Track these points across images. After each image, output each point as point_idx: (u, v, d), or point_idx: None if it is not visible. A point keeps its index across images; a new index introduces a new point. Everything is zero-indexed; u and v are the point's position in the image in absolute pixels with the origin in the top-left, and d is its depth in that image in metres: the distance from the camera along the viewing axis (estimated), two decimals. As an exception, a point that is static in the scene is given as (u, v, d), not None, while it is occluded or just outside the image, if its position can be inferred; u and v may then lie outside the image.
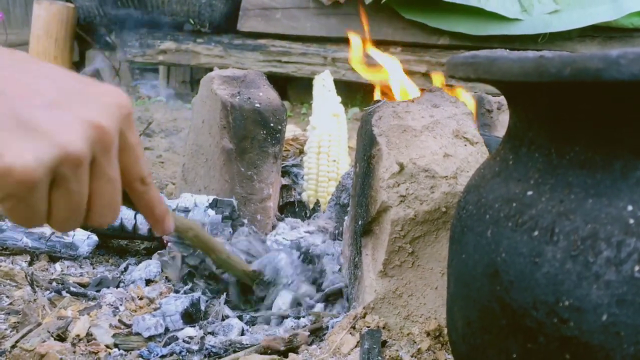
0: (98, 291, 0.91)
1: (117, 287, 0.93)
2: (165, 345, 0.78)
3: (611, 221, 0.39)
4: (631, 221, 0.38)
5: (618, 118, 0.40)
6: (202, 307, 0.86)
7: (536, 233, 0.42)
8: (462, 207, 0.54)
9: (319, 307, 0.86)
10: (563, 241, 0.41)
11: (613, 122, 0.40)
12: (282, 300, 0.85)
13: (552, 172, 0.44)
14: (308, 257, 0.96)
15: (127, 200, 0.52)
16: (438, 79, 1.08)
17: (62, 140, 0.40)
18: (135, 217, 1.06)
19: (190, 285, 0.94)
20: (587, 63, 0.36)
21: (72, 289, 0.90)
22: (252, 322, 0.86)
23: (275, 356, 0.73)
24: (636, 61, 0.35)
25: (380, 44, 2.89)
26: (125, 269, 1.01)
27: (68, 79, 0.44)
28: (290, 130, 1.76)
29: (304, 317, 0.82)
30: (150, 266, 0.96)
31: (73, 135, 0.41)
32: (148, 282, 0.94)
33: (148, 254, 1.08)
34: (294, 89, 3.30)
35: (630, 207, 0.39)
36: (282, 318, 0.84)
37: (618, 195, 0.40)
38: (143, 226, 1.06)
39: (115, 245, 1.12)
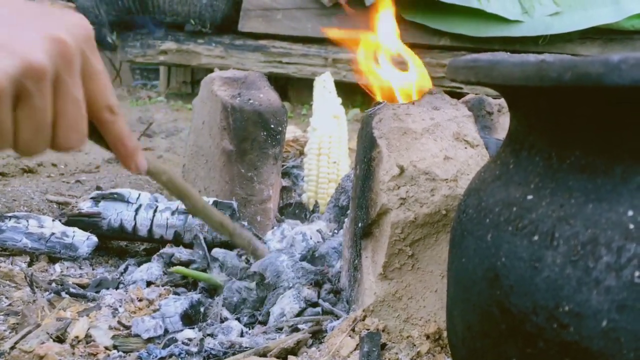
0: (97, 292, 0.91)
1: (117, 288, 0.93)
2: (164, 347, 0.77)
3: (611, 226, 0.39)
4: (631, 226, 0.38)
5: (619, 123, 0.40)
6: (202, 309, 0.86)
7: (536, 237, 0.42)
8: (462, 210, 0.54)
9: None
10: (563, 246, 0.40)
11: (614, 127, 0.40)
12: (282, 305, 0.85)
13: (553, 177, 0.44)
14: (311, 257, 0.95)
15: (97, 136, 0.51)
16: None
17: (24, 52, 0.41)
18: (135, 219, 1.06)
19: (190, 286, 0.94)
20: (588, 68, 0.36)
21: (71, 290, 0.90)
22: (250, 325, 0.86)
23: (274, 359, 0.73)
24: (637, 66, 0.35)
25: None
26: (125, 269, 1.01)
27: (28, 4, 0.45)
28: (291, 131, 1.76)
29: (304, 323, 0.82)
30: (152, 268, 0.96)
31: (35, 47, 0.41)
32: (148, 283, 0.94)
33: (148, 255, 1.08)
34: (295, 90, 3.30)
35: (630, 212, 0.39)
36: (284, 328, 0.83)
37: (618, 200, 0.40)
38: (143, 227, 1.06)
39: (115, 246, 1.12)
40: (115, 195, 1.08)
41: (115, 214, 1.06)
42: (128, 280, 0.94)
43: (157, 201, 1.09)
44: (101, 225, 1.05)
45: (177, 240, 1.06)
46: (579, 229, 0.40)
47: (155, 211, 1.06)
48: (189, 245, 1.05)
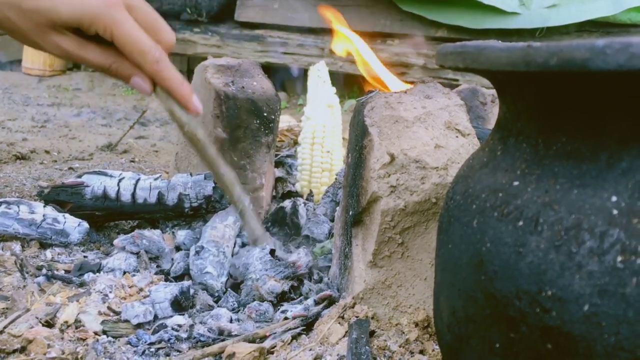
0: (80, 276, 0.90)
1: (98, 271, 0.93)
2: (154, 333, 0.78)
3: (595, 212, 0.39)
4: (615, 212, 0.38)
5: (604, 108, 0.40)
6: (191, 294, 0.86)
7: (521, 223, 0.42)
8: (450, 197, 0.54)
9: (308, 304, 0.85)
10: (547, 231, 0.41)
11: (599, 112, 0.40)
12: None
13: (539, 163, 0.44)
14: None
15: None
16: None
17: None
18: (118, 185, 1.06)
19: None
20: (573, 53, 0.36)
21: (55, 273, 0.90)
22: (238, 311, 0.86)
23: (263, 344, 0.73)
24: (622, 51, 0.35)
25: (378, 36, 2.88)
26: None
27: None
28: (285, 121, 1.76)
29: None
30: (130, 259, 0.96)
31: None
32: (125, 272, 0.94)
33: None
34: (291, 80, 3.29)
35: (614, 198, 0.39)
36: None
37: (603, 186, 0.40)
38: (126, 192, 1.06)
39: (106, 232, 1.12)
40: (98, 172, 1.09)
41: (98, 182, 1.06)
42: (108, 267, 0.94)
43: (139, 177, 1.10)
44: (84, 193, 1.05)
45: (160, 203, 1.06)
46: (563, 214, 0.40)
47: (138, 180, 1.08)
48: (173, 210, 1.06)
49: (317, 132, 1.28)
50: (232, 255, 0.97)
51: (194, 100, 0.74)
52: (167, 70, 0.71)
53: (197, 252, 0.93)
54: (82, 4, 0.66)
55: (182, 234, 1.02)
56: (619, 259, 0.37)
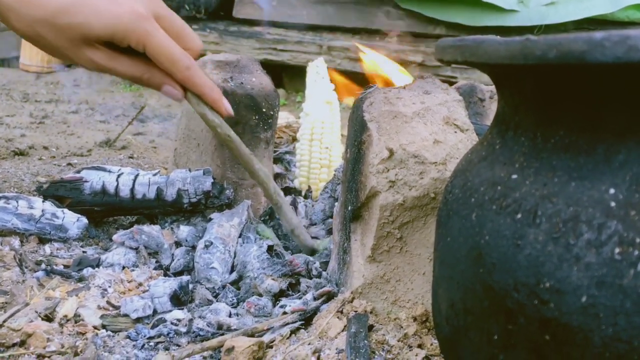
0: (79, 271, 0.91)
1: (97, 266, 0.93)
2: (153, 327, 0.78)
3: (593, 204, 0.39)
4: (613, 204, 0.39)
5: (602, 101, 0.40)
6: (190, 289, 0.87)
7: (519, 216, 0.43)
8: (449, 191, 0.54)
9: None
10: (545, 224, 0.41)
11: (597, 105, 0.40)
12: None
13: (537, 156, 0.44)
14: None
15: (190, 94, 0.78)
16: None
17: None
18: (117, 180, 1.06)
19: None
20: (571, 45, 0.36)
21: (54, 267, 0.90)
22: (237, 306, 0.86)
23: (262, 338, 0.73)
24: (620, 43, 0.35)
25: (376, 33, 2.89)
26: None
27: None
28: (284, 117, 1.76)
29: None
30: (129, 254, 0.96)
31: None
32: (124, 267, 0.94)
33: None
34: (289, 77, 3.29)
35: (612, 190, 0.39)
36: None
37: (600, 179, 0.40)
38: (125, 187, 1.06)
39: (105, 228, 1.12)
40: (97, 167, 1.09)
41: (97, 178, 1.06)
42: (107, 263, 0.94)
43: (138, 172, 1.10)
44: (83, 189, 1.05)
45: (159, 199, 1.06)
46: (561, 206, 0.41)
47: (137, 176, 1.08)
48: (172, 205, 1.06)
49: (316, 128, 1.28)
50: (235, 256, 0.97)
51: (225, 103, 0.79)
52: (198, 77, 0.76)
53: (206, 247, 0.93)
54: (114, 18, 0.68)
55: (184, 230, 1.02)
56: (617, 250, 0.38)
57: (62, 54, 0.71)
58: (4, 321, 0.74)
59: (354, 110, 0.88)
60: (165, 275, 0.93)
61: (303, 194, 1.26)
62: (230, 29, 3.10)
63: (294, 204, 1.11)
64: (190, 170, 1.09)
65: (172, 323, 0.78)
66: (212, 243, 0.93)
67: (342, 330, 0.74)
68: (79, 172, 1.08)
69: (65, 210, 1.02)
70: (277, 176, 1.30)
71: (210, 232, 0.97)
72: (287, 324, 0.77)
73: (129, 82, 0.80)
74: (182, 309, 0.83)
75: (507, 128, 0.49)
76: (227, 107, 0.79)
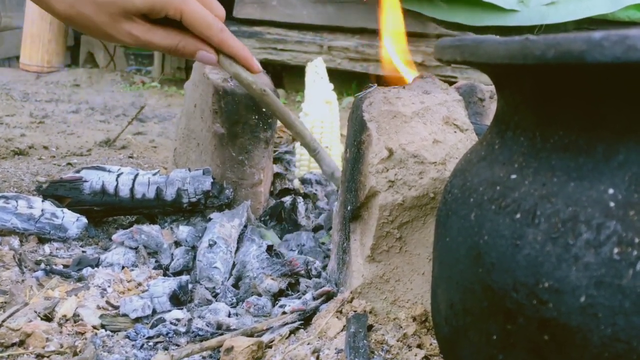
0: (79, 271, 0.91)
1: (97, 266, 0.93)
2: (152, 327, 0.78)
3: (592, 204, 0.39)
4: (612, 204, 0.39)
5: (601, 101, 0.40)
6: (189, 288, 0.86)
7: (518, 216, 0.43)
8: (448, 191, 0.54)
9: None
10: (544, 224, 0.41)
11: (596, 105, 0.40)
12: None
13: (536, 156, 0.44)
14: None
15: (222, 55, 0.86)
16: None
17: None
18: (117, 180, 1.06)
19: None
20: (570, 45, 0.36)
21: (53, 267, 0.90)
22: (236, 306, 0.86)
23: (261, 338, 0.73)
24: (619, 43, 0.35)
25: (376, 33, 2.88)
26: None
27: None
28: (284, 117, 1.76)
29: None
30: (129, 254, 0.96)
31: None
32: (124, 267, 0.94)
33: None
34: (289, 77, 3.29)
35: (611, 190, 0.39)
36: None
37: (599, 179, 0.40)
38: (125, 187, 1.06)
39: (104, 227, 1.12)
40: (97, 167, 1.09)
41: (97, 177, 1.06)
42: (107, 262, 0.94)
43: (137, 172, 1.10)
44: (83, 188, 1.05)
45: (159, 198, 1.06)
46: (560, 206, 0.41)
47: (136, 176, 1.08)
48: (171, 205, 1.06)
49: (315, 127, 1.28)
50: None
51: (255, 61, 0.87)
52: (231, 38, 0.85)
53: (210, 246, 0.93)
54: None
55: (184, 230, 1.02)
56: (616, 250, 0.38)
57: (101, 31, 0.76)
58: (3, 321, 0.74)
59: (353, 110, 0.88)
60: (165, 275, 0.93)
61: (303, 193, 1.26)
62: (231, 29, 3.09)
63: (294, 204, 1.11)
64: (189, 170, 1.09)
65: (171, 323, 0.78)
66: (215, 242, 0.93)
67: (342, 330, 0.74)
68: (78, 171, 1.08)
69: (65, 210, 1.02)
70: (276, 176, 1.30)
71: (213, 232, 0.97)
72: (287, 323, 0.77)
73: (165, 53, 0.89)
74: (182, 308, 0.83)
75: (506, 128, 0.49)
76: (257, 65, 0.86)
